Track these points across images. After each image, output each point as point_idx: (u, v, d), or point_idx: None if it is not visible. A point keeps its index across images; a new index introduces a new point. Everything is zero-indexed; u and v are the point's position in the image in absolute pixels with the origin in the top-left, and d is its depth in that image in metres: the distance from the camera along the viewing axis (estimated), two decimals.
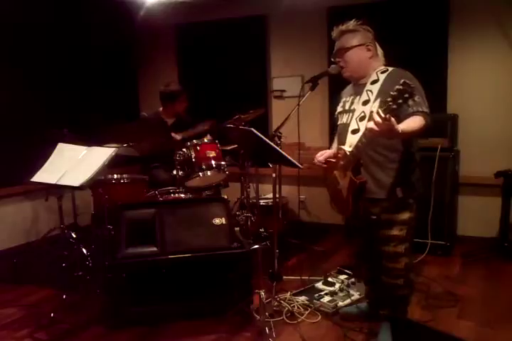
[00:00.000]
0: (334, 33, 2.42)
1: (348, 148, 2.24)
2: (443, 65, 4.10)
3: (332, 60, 2.48)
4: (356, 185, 2.20)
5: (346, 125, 2.35)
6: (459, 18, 4.01)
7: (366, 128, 2.06)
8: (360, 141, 2.16)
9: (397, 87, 1.88)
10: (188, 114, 4.16)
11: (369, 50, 2.37)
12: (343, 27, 2.38)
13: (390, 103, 1.89)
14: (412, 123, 2.13)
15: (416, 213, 2.39)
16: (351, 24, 2.37)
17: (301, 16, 4.61)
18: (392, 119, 1.91)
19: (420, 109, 2.18)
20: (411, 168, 2.37)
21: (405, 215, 2.34)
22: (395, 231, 2.34)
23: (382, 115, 1.88)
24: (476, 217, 4.12)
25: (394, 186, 2.31)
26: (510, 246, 3.78)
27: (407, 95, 1.87)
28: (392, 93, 1.89)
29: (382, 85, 2.25)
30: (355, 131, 2.26)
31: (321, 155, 2.48)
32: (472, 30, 4.00)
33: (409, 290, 2.50)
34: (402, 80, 1.87)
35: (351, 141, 2.24)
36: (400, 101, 1.88)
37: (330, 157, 2.45)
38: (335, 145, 2.56)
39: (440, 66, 4.10)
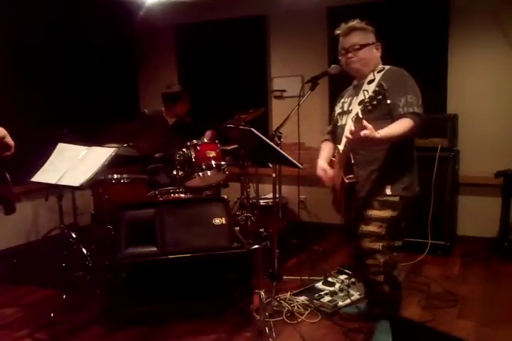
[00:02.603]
0: (342, 29, 2.40)
1: (341, 147, 2.26)
2: (443, 64, 4.10)
3: (342, 52, 2.40)
4: (346, 184, 2.22)
5: (344, 126, 2.37)
6: (459, 18, 4.01)
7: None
8: (347, 141, 2.17)
9: (374, 88, 1.91)
10: (189, 116, 4.16)
11: (377, 49, 2.40)
12: (354, 23, 2.38)
13: (367, 104, 1.91)
14: (398, 126, 2.14)
15: (401, 213, 2.37)
16: (361, 23, 2.38)
17: (301, 16, 4.61)
18: (370, 127, 1.92)
19: (411, 110, 2.18)
20: (404, 167, 2.37)
21: (387, 213, 2.34)
22: (373, 228, 2.34)
23: (361, 115, 1.88)
24: (476, 217, 4.12)
25: (383, 183, 2.32)
26: (510, 246, 3.77)
27: (380, 97, 1.90)
28: (370, 94, 1.91)
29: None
30: None
31: (325, 171, 2.45)
32: (472, 30, 4.00)
33: (393, 288, 2.46)
34: (379, 82, 1.89)
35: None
36: (375, 102, 1.91)
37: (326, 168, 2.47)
38: (324, 153, 2.57)
39: (440, 66, 4.10)
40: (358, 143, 2.04)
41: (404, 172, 2.37)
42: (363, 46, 2.35)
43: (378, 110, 1.99)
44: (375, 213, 2.34)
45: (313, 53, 4.60)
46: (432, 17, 4.07)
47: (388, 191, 2.32)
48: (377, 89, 1.88)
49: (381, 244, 2.36)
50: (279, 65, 4.85)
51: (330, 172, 2.44)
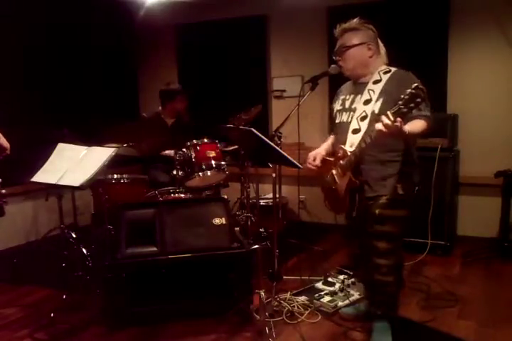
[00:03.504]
0: (336, 31, 2.42)
1: (349, 148, 2.25)
2: (443, 64, 4.10)
3: (333, 58, 2.48)
4: (356, 184, 2.21)
5: (347, 124, 2.35)
6: (459, 18, 4.01)
7: (374, 130, 2.06)
8: (363, 141, 2.16)
9: (410, 90, 1.89)
10: (187, 115, 4.17)
11: (370, 49, 2.36)
12: (345, 25, 2.39)
13: (402, 106, 1.90)
14: (417, 126, 2.17)
15: (409, 212, 2.39)
16: (354, 22, 2.38)
17: (301, 16, 4.61)
18: (400, 120, 1.94)
19: (423, 113, 2.20)
20: (411, 166, 2.38)
21: (402, 212, 2.35)
22: (389, 228, 2.33)
23: (392, 118, 1.89)
24: (476, 217, 4.12)
25: (394, 182, 2.32)
26: (510, 246, 3.77)
27: (419, 99, 1.90)
28: (403, 96, 1.90)
29: (384, 85, 2.26)
30: (356, 131, 2.27)
31: (315, 159, 2.48)
32: (472, 30, 4.00)
33: (397, 288, 2.48)
34: (415, 84, 1.89)
35: (352, 140, 2.25)
36: (412, 105, 1.90)
37: (324, 157, 2.46)
38: (326, 143, 2.58)
39: (440, 66, 4.11)
40: (390, 136, 2.03)
41: (411, 171, 2.38)
42: (347, 48, 2.36)
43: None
44: (389, 213, 2.32)
45: (313, 53, 4.60)
46: (432, 17, 4.07)
47: (400, 190, 2.31)
48: (414, 91, 1.87)
49: (395, 244, 2.36)
50: (279, 65, 4.85)
51: (318, 160, 2.47)
